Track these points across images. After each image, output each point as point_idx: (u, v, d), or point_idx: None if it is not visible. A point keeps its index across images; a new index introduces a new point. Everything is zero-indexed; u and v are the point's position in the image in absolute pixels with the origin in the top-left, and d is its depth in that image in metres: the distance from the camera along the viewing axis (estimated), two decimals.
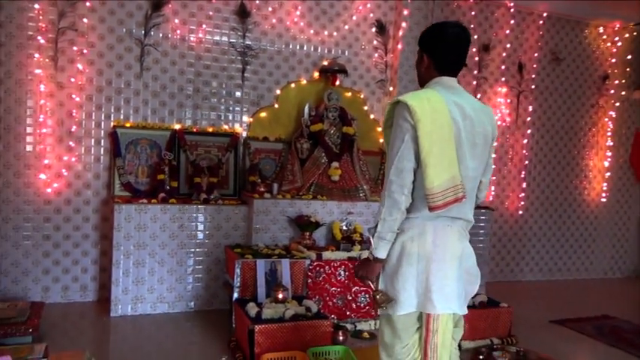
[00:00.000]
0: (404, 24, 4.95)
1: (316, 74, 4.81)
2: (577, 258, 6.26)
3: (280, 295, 3.44)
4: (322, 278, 3.85)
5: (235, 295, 3.60)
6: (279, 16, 4.69)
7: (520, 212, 5.87)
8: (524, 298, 5.18)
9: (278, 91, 4.73)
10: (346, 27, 4.94)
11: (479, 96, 5.52)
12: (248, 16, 4.54)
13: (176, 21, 4.35)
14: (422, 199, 1.93)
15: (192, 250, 4.12)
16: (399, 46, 4.99)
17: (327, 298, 3.88)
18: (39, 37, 3.98)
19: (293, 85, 4.76)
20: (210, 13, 4.46)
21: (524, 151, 5.83)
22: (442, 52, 2.02)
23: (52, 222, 4.13)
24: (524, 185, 5.86)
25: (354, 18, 4.96)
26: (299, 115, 4.70)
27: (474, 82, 5.52)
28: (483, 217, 5.15)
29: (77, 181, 4.18)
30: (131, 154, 4.26)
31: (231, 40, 4.55)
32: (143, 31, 4.26)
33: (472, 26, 5.45)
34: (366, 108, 5.06)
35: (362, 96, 5.04)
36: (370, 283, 2.06)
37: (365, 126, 5.03)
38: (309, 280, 3.79)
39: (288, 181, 4.50)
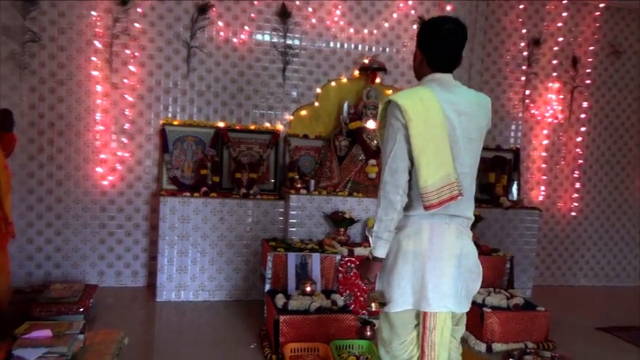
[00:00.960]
0: None
1: (356, 72, 4.86)
2: (638, 263, 5.89)
3: (308, 288, 3.56)
4: (353, 274, 3.91)
5: (267, 286, 3.75)
6: (320, 15, 4.78)
7: (573, 214, 5.61)
8: (573, 304, 4.98)
9: (318, 90, 4.83)
10: (387, 24, 4.94)
11: (527, 92, 5.35)
12: (289, 16, 4.67)
13: (220, 23, 4.56)
14: (418, 198, 1.95)
15: (232, 242, 4.32)
16: None
17: (358, 294, 3.94)
18: (96, 42, 4.32)
19: (333, 83, 4.84)
20: (253, 15, 4.63)
21: (577, 150, 5.56)
22: (435, 48, 2.01)
23: (107, 212, 4.48)
24: (577, 185, 5.60)
25: (395, 15, 4.95)
26: (339, 113, 4.78)
27: (523, 78, 5.34)
28: (529, 218, 5.01)
29: (130, 174, 4.51)
30: (178, 150, 4.53)
31: (273, 40, 4.70)
32: (190, 34, 4.50)
33: (521, 20, 5.28)
34: None
35: None
36: (368, 281, 2.11)
37: None
38: (340, 275, 3.87)
39: (325, 177, 4.60)
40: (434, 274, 1.99)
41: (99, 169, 4.40)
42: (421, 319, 2.06)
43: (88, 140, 4.39)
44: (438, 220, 2.01)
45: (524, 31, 5.27)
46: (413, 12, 4.97)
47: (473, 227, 4.25)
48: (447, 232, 2.02)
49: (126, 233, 4.53)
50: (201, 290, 4.29)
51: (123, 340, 2.81)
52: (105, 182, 4.43)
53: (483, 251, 4.24)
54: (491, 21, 5.23)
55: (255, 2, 4.62)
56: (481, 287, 3.85)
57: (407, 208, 2.01)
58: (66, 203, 4.39)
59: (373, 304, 2.08)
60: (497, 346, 3.61)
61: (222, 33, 4.58)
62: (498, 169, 5.13)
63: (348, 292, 3.89)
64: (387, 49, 5.00)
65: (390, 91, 4.95)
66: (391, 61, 5.00)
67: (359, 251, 3.95)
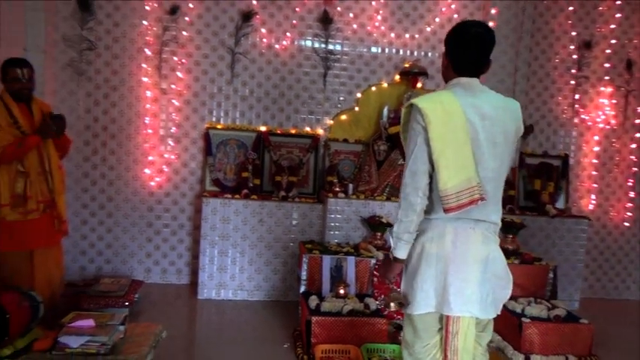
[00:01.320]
0: (491, 23, 4.79)
1: (397, 77, 4.86)
2: None
3: (341, 291, 3.59)
4: (393, 280, 3.90)
5: (302, 288, 3.81)
6: (361, 21, 4.82)
7: (626, 224, 5.34)
8: (623, 318, 4.75)
9: (359, 94, 4.86)
10: (429, 29, 4.91)
11: (577, 96, 5.16)
12: (331, 22, 4.74)
13: (263, 30, 4.69)
14: (439, 201, 1.95)
15: (271, 243, 4.42)
16: None
17: None
18: (146, 50, 4.55)
19: (374, 88, 4.86)
20: (295, 21, 4.73)
21: (632, 157, 5.30)
22: (459, 53, 2.03)
23: (154, 211, 4.69)
24: (631, 194, 5.33)
25: (438, 19, 4.91)
26: (379, 118, 4.79)
27: (572, 82, 5.15)
28: (577, 227, 4.83)
29: (175, 176, 4.70)
30: (221, 153, 4.68)
31: (315, 46, 4.78)
32: (234, 41, 4.66)
33: (570, 22, 5.10)
34: None
35: None
36: (389, 281, 2.13)
37: None
38: (375, 280, 3.87)
39: (364, 182, 4.62)
40: (456, 277, 1.98)
41: (147, 171, 4.62)
42: (444, 323, 2.06)
43: (137, 143, 4.62)
44: (463, 224, 2.00)
45: (573, 33, 5.09)
46: (456, 16, 4.91)
47: (514, 235, 4.18)
48: (472, 236, 2.01)
49: (171, 232, 4.73)
50: (240, 290, 4.41)
51: (161, 333, 2.93)
52: (152, 183, 4.65)
53: (525, 260, 4.13)
54: (538, 24, 5.09)
55: (297, 9, 4.71)
56: (521, 297, 3.78)
57: (430, 211, 2.02)
58: (116, 202, 4.64)
59: (392, 304, 2.11)
60: (536, 358, 3.50)
61: (264, 39, 4.71)
62: (544, 175, 4.97)
63: (382, 296, 3.89)
64: (430, 54, 4.98)
65: None
66: (433, 66, 4.96)
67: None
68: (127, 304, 3.79)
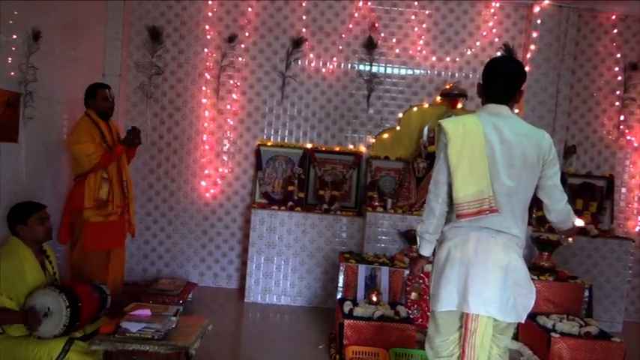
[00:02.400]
0: (532, 46, 4.94)
1: (438, 98, 5.07)
2: None
3: (374, 298, 3.83)
4: (421, 289, 4.10)
5: (339, 294, 4.08)
6: (404, 45, 5.10)
7: None
8: None
9: (400, 114, 5.11)
10: (469, 52, 5.11)
11: (622, 117, 5.16)
12: (375, 47, 5.05)
13: (311, 55, 5.07)
14: None
15: (313, 253, 4.72)
16: (527, 69, 4.96)
17: (427, 309, 4.11)
18: (206, 74, 5.05)
19: (415, 108, 5.10)
20: (341, 47, 5.08)
21: None
22: (488, 82, 2.28)
23: (208, 220, 5.13)
24: None
25: (478, 43, 5.10)
26: (419, 137, 5.02)
27: (617, 103, 5.16)
28: (620, 248, 4.80)
29: (228, 188, 5.14)
30: (270, 168, 5.07)
31: (359, 69, 5.10)
32: (285, 65, 5.07)
33: (615, 44, 5.13)
34: None
35: None
36: (415, 275, 2.42)
37: None
38: (408, 289, 4.07)
39: (403, 197, 4.85)
40: (476, 280, 2.20)
41: (203, 183, 5.08)
42: (464, 321, 2.28)
43: (196, 158, 5.10)
44: (485, 233, 2.23)
45: (618, 55, 5.12)
46: (497, 39, 5.09)
47: (550, 252, 4.27)
48: (493, 245, 2.23)
49: (223, 240, 5.14)
50: (284, 295, 4.74)
51: (207, 326, 3.29)
52: (208, 194, 5.10)
53: (560, 277, 4.19)
54: (582, 46, 5.15)
55: (344, 35, 5.06)
56: (555, 313, 3.85)
57: (456, 219, 2.26)
58: (176, 211, 5.12)
59: (413, 294, 2.39)
60: None
61: (312, 64, 5.09)
62: (587, 196, 4.99)
63: (416, 306, 4.08)
64: (471, 75, 5.16)
65: None
66: (474, 87, 5.14)
67: (427, 268, 4.12)
68: (180, 302, 4.21)
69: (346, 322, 3.53)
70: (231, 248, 5.14)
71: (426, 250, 2.38)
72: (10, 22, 3.32)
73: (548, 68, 4.95)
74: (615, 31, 5.12)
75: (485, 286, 2.20)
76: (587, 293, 4.16)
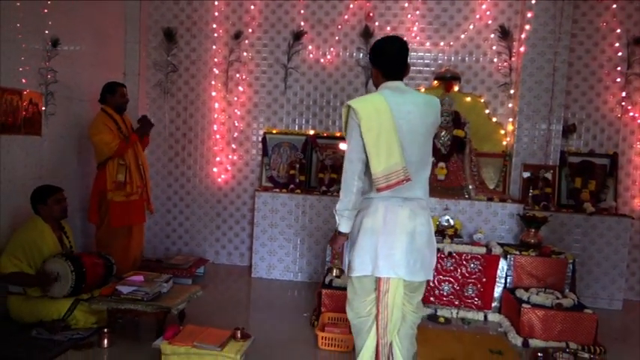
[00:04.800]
0: (527, 26, 4.97)
1: (435, 82, 5.22)
2: None
3: None
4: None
5: (327, 267, 4.40)
6: (400, 32, 5.27)
7: None
8: None
9: None
10: (462, 36, 5.21)
11: (623, 94, 5.08)
12: (371, 36, 5.27)
13: (310, 47, 5.38)
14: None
15: (312, 232, 5.06)
16: (522, 49, 5.02)
17: None
18: (214, 69, 5.49)
19: None
20: (339, 37, 5.34)
21: None
22: (383, 63, 2.49)
23: (221, 203, 5.60)
24: None
25: (472, 27, 5.19)
26: None
27: (618, 79, 5.08)
28: (619, 226, 4.78)
29: (239, 174, 5.57)
30: (275, 154, 5.44)
31: (357, 58, 5.35)
32: (287, 58, 5.41)
33: (616, 19, 5.05)
34: (487, 111, 5.22)
35: (482, 100, 5.23)
36: (335, 251, 2.64)
37: (486, 129, 5.21)
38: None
39: None
40: (385, 247, 2.45)
41: (215, 169, 5.55)
42: (377, 284, 2.54)
43: (209, 146, 5.57)
44: (393, 202, 2.46)
45: (618, 30, 5.04)
46: (490, 22, 5.16)
47: (536, 229, 4.38)
48: (400, 213, 2.46)
49: (235, 221, 5.59)
50: (287, 271, 5.11)
51: (197, 292, 3.73)
52: (219, 180, 5.56)
53: (543, 253, 4.28)
54: (582, 23, 5.11)
55: (340, 26, 5.33)
56: (535, 287, 3.98)
57: (367, 192, 2.51)
58: (193, 196, 5.62)
59: (335, 270, 2.63)
60: (535, 342, 3.70)
61: (311, 55, 5.40)
62: (586, 174, 4.98)
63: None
64: (467, 59, 5.27)
65: (468, 98, 5.21)
66: (470, 70, 5.25)
67: None
68: (188, 275, 4.71)
69: (324, 291, 3.85)
70: (243, 229, 5.58)
71: (345, 227, 2.51)
72: (29, 29, 3.89)
73: (544, 47, 4.97)
74: (615, 6, 5.04)
75: (394, 251, 2.43)
76: (570, 268, 4.22)
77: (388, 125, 2.38)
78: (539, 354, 3.45)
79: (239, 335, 3.12)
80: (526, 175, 5.03)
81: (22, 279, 3.45)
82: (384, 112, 2.39)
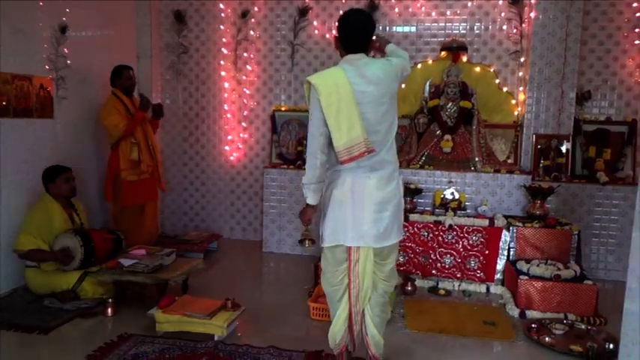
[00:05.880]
0: None
1: (443, 53, 5.11)
2: None
3: None
4: (406, 236, 4.35)
5: None
6: (405, 4, 5.18)
7: None
8: None
9: None
10: (469, 4, 5.06)
11: None
12: (377, 8, 5.20)
13: (314, 23, 5.37)
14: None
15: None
16: (532, 15, 4.83)
17: (412, 255, 4.37)
18: (223, 49, 5.58)
19: (419, 65, 5.19)
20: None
21: None
22: (347, 36, 2.50)
23: (234, 181, 5.75)
24: None
25: None
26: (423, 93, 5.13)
27: (637, 42, 4.81)
28: (634, 195, 4.58)
29: (250, 151, 5.69)
30: (285, 132, 5.52)
31: None
32: (293, 34, 5.42)
33: None
34: (497, 81, 5.08)
35: (492, 70, 5.08)
36: (303, 223, 2.68)
37: (496, 99, 5.08)
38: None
39: (404, 152, 5.04)
40: (353, 217, 2.50)
41: (227, 147, 5.69)
42: (347, 253, 2.60)
43: (220, 125, 5.71)
44: (360, 173, 2.50)
45: None
46: None
47: (542, 200, 4.32)
48: (367, 183, 2.50)
49: (248, 198, 5.74)
50: (296, 246, 5.22)
51: (198, 265, 3.90)
52: (232, 157, 5.70)
53: (548, 224, 4.19)
54: None
55: (344, 0, 5.28)
56: (538, 259, 3.93)
57: (335, 164, 2.56)
58: (207, 174, 5.80)
59: (306, 241, 2.69)
60: (533, 313, 3.67)
61: (316, 31, 5.39)
62: (601, 142, 4.79)
63: (401, 252, 4.36)
64: (475, 27, 5.12)
65: (477, 68, 5.08)
66: (480, 39, 5.11)
67: (413, 217, 4.37)
68: (200, 250, 4.90)
69: (320, 264, 3.93)
70: (256, 205, 5.72)
71: (312, 199, 2.55)
72: (40, 18, 4.09)
73: (556, 11, 4.76)
74: None
75: (362, 221, 2.48)
76: (575, 239, 4.11)
77: (348, 99, 2.39)
78: (532, 325, 3.43)
79: (230, 305, 3.26)
80: (538, 145, 4.90)
81: (40, 255, 3.70)
82: (343, 86, 2.40)
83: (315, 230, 2.66)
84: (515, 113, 5.07)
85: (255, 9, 5.47)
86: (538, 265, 3.89)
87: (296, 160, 5.35)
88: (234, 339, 3.17)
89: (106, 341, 3.07)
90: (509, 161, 5.02)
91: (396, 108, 2.53)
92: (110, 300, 3.50)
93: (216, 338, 3.09)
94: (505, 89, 5.10)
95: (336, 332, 2.70)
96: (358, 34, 2.49)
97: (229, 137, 5.69)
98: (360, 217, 2.49)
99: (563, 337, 3.30)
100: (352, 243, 2.52)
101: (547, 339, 3.23)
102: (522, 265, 3.92)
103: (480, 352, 3.15)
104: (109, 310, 3.48)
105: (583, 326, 3.44)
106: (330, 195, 2.57)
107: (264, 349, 3.03)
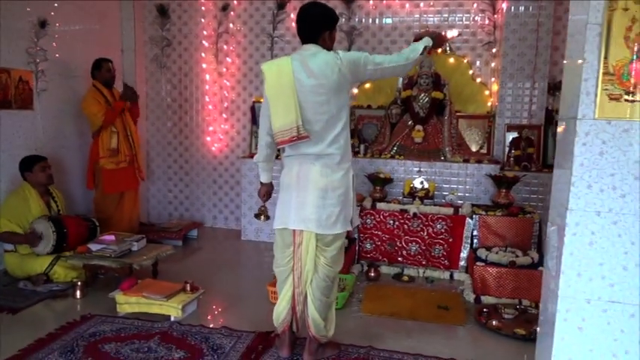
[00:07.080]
0: None
1: None
2: None
3: None
4: (372, 224, 4.46)
5: None
6: None
7: None
8: None
9: None
10: None
11: None
12: (352, 1, 5.28)
13: (292, 16, 5.46)
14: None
15: None
16: (505, 5, 4.86)
17: (379, 243, 4.47)
18: (204, 42, 5.71)
19: None
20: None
21: None
22: (298, 27, 2.64)
23: (217, 171, 5.89)
24: None
25: None
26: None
27: None
28: None
29: (231, 142, 5.83)
30: None
31: (339, 24, 5.35)
32: (272, 27, 5.53)
33: None
34: (471, 72, 5.13)
35: (466, 60, 5.13)
36: (261, 199, 2.89)
37: (469, 90, 5.14)
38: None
39: (378, 143, 5.13)
40: (297, 201, 2.65)
41: (208, 138, 5.83)
42: (292, 237, 2.73)
43: (203, 117, 5.85)
44: (306, 160, 2.65)
45: None
46: None
47: (507, 189, 4.40)
48: (312, 170, 2.63)
49: (230, 188, 5.89)
50: (273, 234, 5.34)
51: (166, 252, 4.05)
52: (214, 148, 5.84)
53: (510, 212, 4.25)
54: None
55: None
56: (500, 246, 4.00)
57: (287, 151, 2.70)
58: (191, 164, 5.95)
59: (262, 216, 2.86)
60: (488, 299, 3.76)
61: (294, 23, 5.44)
62: None
63: (368, 239, 4.47)
64: (450, 18, 5.17)
65: (451, 59, 5.14)
66: (453, 30, 5.15)
67: (379, 205, 4.47)
68: (177, 237, 5.06)
69: None
70: (237, 194, 5.86)
71: (263, 177, 2.82)
72: (20, 13, 4.25)
73: (527, 2, 4.79)
74: None
75: (305, 206, 2.61)
76: (537, 227, 4.18)
77: (288, 86, 2.54)
78: (484, 310, 3.52)
79: (188, 288, 3.41)
80: (511, 135, 4.95)
81: (12, 237, 3.90)
82: (285, 74, 2.55)
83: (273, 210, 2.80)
84: (489, 104, 5.13)
85: (235, 2, 5.59)
86: (497, 253, 3.97)
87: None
88: (192, 320, 3.32)
89: (68, 320, 3.24)
90: (482, 151, 5.08)
91: (343, 102, 2.59)
92: (79, 283, 3.67)
93: (172, 319, 3.24)
94: (479, 80, 5.15)
95: (280, 312, 2.83)
96: (301, 26, 2.63)
97: (211, 128, 5.83)
98: (304, 202, 2.63)
99: (513, 321, 3.38)
100: (295, 226, 2.66)
101: (494, 322, 3.32)
102: (482, 253, 4.00)
103: (427, 334, 3.24)
104: (78, 293, 3.65)
105: (534, 311, 3.52)
106: (281, 180, 2.74)
107: (216, 329, 3.17)
